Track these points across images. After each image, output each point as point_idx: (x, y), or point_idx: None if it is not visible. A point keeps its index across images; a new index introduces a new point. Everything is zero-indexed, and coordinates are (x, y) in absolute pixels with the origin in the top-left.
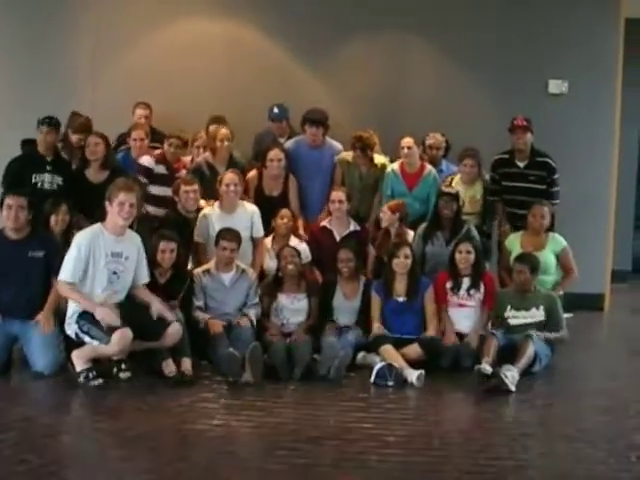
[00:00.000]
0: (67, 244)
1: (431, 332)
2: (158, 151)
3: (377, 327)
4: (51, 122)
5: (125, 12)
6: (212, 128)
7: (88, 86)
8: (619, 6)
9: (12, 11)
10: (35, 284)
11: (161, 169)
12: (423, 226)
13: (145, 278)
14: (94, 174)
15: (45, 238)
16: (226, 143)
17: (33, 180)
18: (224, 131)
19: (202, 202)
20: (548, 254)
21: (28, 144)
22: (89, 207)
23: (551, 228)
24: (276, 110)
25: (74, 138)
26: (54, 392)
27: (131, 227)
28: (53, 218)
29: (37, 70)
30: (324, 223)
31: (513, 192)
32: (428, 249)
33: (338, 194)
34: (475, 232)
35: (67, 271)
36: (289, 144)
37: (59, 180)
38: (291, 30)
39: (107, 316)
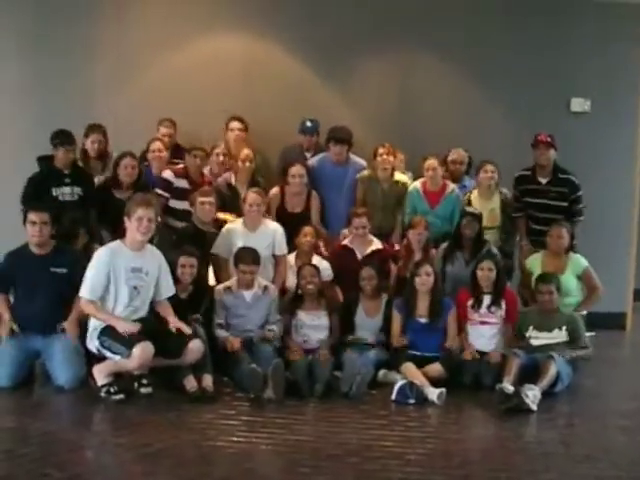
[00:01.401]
0: (88, 259)
1: (451, 342)
2: (180, 165)
3: (398, 339)
4: (67, 141)
5: (145, 30)
6: (240, 152)
7: (108, 104)
8: None
9: (31, 29)
10: (57, 300)
11: (182, 183)
12: (443, 246)
13: (170, 291)
14: (122, 193)
15: (68, 254)
16: (247, 164)
17: (54, 194)
18: (246, 152)
19: (220, 215)
20: (569, 277)
21: (44, 160)
22: (114, 221)
23: (571, 248)
24: (309, 124)
25: (88, 143)
26: (75, 407)
27: (152, 240)
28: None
29: (57, 88)
30: (345, 242)
31: (534, 208)
32: (448, 269)
33: (362, 221)
34: (496, 251)
35: (87, 288)
36: (313, 161)
37: (79, 190)
38: (310, 47)
39: (127, 328)
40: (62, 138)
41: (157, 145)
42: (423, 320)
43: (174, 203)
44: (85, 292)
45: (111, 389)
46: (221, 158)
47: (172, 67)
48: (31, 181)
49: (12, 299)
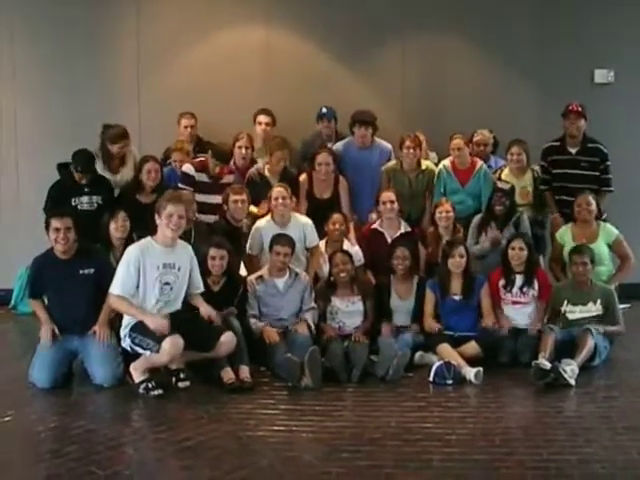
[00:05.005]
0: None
1: (487, 321)
2: (199, 159)
3: (430, 322)
4: (83, 168)
5: (167, 25)
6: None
7: (133, 101)
8: None
9: (54, 30)
10: (88, 301)
11: (203, 177)
12: (479, 217)
13: (199, 287)
14: (145, 196)
15: (94, 255)
16: (281, 163)
17: (73, 203)
18: (280, 154)
19: (252, 208)
20: (601, 245)
21: (64, 168)
22: (139, 225)
23: (600, 217)
24: (324, 110)
25: (115, 149)
26: (115, 404)
27: (189, 236)
28: (112, 225)
29: (79, 88)
30: (375, 226)
31: (564, 179)
32: (482, 239)
33: (388, 194)
34: (527, 222)
35: (117, 285)
36: (339, 145)
37: (99, 199)
38: (331, 36)
39: (158, 325)
40: (78, 162)
41: (178, 155)
42: (457, 297)
43: (199, 197)
44: (116, 288)
45: (149, 385)
46: (243, 151)
47: (195, 62)
48: (52, 190)
49: (45, 301)
